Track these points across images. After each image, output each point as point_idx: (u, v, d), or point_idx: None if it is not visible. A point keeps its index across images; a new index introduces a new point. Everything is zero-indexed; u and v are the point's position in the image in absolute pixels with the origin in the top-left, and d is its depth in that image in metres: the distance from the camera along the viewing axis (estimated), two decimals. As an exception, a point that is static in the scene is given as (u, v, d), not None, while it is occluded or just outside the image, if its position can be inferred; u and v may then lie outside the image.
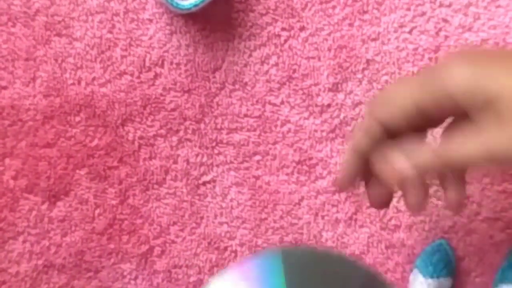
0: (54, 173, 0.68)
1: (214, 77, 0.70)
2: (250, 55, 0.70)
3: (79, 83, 0.69)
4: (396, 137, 0.45)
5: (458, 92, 0.41)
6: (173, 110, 0.70)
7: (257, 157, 0.70)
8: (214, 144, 0.70)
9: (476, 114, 0.42)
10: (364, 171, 0.48)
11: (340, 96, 0.70)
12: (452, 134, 0.45)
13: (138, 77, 0.70)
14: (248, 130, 0.70)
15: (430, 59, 0.70)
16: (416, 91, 0.43)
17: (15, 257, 0.68)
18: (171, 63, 0.70)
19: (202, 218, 0.68)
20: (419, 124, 0.45)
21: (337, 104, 0.70)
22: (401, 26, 0.70)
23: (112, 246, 0.68)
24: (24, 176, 0.68)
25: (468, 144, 0.42)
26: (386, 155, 0.45)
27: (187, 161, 0.70)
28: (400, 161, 0.44)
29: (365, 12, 0.70)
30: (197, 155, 0.70)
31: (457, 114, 0.43)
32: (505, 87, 0.40)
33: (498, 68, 0.41)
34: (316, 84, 0.70)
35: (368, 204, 0.69)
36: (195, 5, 0.67)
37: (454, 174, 0.47)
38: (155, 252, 0.68)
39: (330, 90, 0.70)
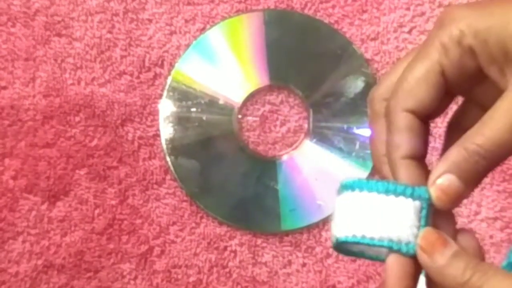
0: (53, 173, 0.68)
1: (214, 77, 0.70)
2: (250, 55, 0.70)
3: (78, 83, 0.69)
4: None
5: (469, 34, 0.33)
6: (173, 110, 0.70)
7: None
8: (213, 144, 0.70)
9: (496, 71, 0.33)
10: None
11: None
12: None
13: (138, 77, 0.69)
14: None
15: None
16: (429, 59, 0.34)
17: (15, 257, 0.68)
18: (171, 63, 0.70)
19: (201, 218, 0.68)
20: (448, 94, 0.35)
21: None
22: (401, 26, 0.70)
23: (111, 246, 0.68)
24: (23, 176, 0.68)
25: (497, 119, 0.31)
26: None
27: (187, 161, 0.70)
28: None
29: (364, 11, 0.70)
30: (196, 155, 0.70)
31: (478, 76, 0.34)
32: None
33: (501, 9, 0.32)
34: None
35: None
36: None
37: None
38: (155, 252, 0.68)
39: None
